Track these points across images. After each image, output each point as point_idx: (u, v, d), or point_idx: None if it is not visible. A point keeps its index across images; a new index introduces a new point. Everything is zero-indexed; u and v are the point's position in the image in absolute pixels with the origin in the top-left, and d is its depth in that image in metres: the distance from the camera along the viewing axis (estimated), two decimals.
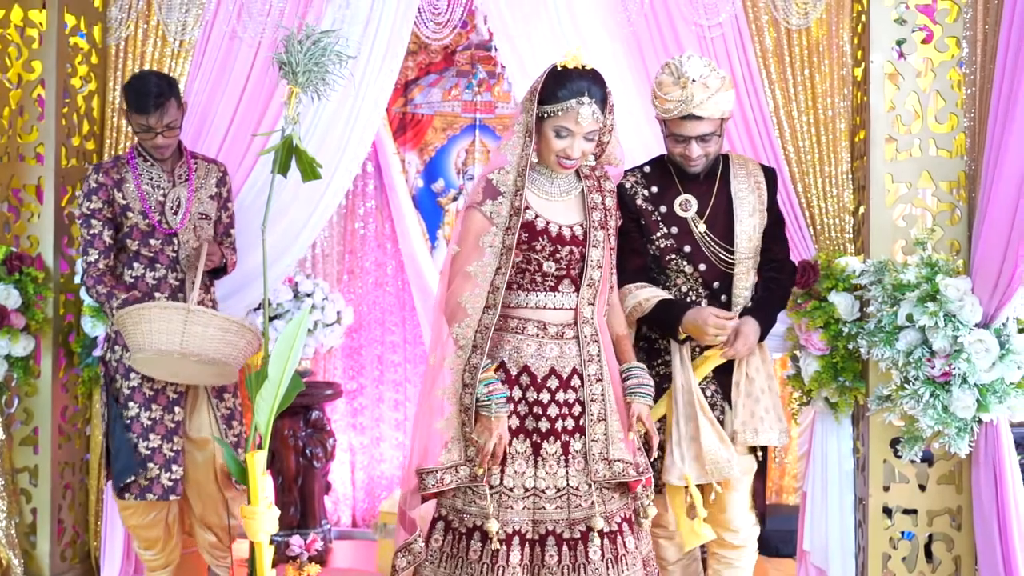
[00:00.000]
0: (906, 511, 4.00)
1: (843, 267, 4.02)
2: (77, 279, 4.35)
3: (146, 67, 4.51)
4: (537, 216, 3.17)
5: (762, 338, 3.75)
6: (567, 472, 3.14)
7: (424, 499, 3.25)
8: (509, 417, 3.14)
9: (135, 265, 4.04)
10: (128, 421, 4.00)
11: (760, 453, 3.79)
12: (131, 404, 4.01)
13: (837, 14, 4.20)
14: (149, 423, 4.00)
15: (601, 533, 3.10)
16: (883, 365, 3.81)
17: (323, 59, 3.27)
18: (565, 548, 3.10)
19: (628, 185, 3.73)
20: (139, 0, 4.53)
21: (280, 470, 5.33)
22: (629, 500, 3.25)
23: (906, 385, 3.73)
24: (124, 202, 4.01)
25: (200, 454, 4.10)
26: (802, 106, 4.19)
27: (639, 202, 3.72)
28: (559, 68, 3.12)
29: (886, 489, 3.98)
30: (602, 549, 3.10)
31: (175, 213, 4.05)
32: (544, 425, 3.16)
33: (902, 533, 4.00)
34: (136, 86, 3.93)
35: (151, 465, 3.99)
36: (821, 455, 4.19)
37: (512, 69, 4.56)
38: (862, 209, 4.10)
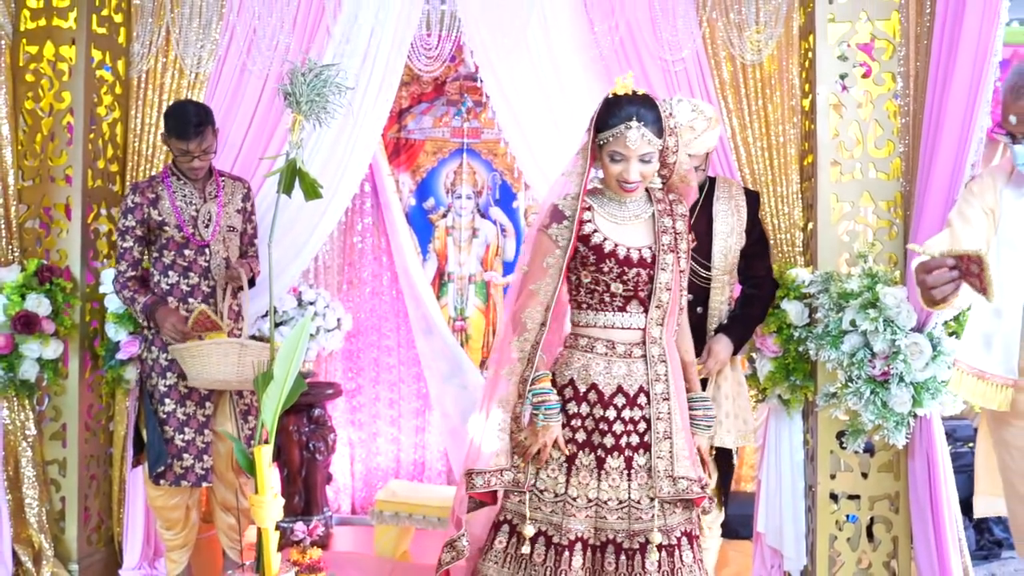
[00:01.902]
0: (850, 496, 4.04)
1: (794, 278, 4.07)
2: (102, 289, 4.38)
3: (165, 97, 4.57)
4: (605, 239, 3.03)
5: (737, 351, 3.82)
6: (629, 486, 2.99)
7: (474, 502, 3.20)
8: (576, 431, 3.05)
9: (170, 274, 4.08)
10: (164, 416, 4.05)
11: (714, 451, 3.84)
12: (167, 400, 4.05)
13: (787, 51, 4.26)
14: (184, 418, 4.06)
15: (659, 546, 2.95)
16: (830, 366, 3.86)
17: (324, 90, 3.30)
18: (623, 557, 2.97)
19: None
20: (158, 36, 4.58)
21: (285, 462, 5.35)
22: (691, 514, 3.09)
23: (850, 383, 3.78)
24: (160, 218, 4.05)
25: (222, 445, 4.15)
26: (756, 133, 4.25)
27: None
28: (611, 96, 3.00)
29: (832, 477, 4.03)
30: (659, 561, 2.95)
31: (207, 226, 4.10)
32: (609, 441, 3.02)
33: (847, 516, 4.05)
34: (177, 114, 3.98)
35: (186, 456, 4.04)
36: (775, 447, 4.25)
37: (496, 98, 4.58)
38: (810, 225, 4.15)
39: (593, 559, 3.00)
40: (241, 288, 4.09)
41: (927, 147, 3.71)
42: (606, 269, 3.01)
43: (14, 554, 4.24)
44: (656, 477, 2.99)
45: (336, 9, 4.49)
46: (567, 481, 3.03)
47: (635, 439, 3.02)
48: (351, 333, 6.00)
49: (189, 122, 3.95)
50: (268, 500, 2.83)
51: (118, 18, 4.58)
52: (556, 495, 3.04)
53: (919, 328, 3.74)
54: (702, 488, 3.05)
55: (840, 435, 3.98)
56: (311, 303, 5.44)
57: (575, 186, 3.06)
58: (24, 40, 4.43)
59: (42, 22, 4.43)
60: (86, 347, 4.45)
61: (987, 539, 5.07)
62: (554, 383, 3.10)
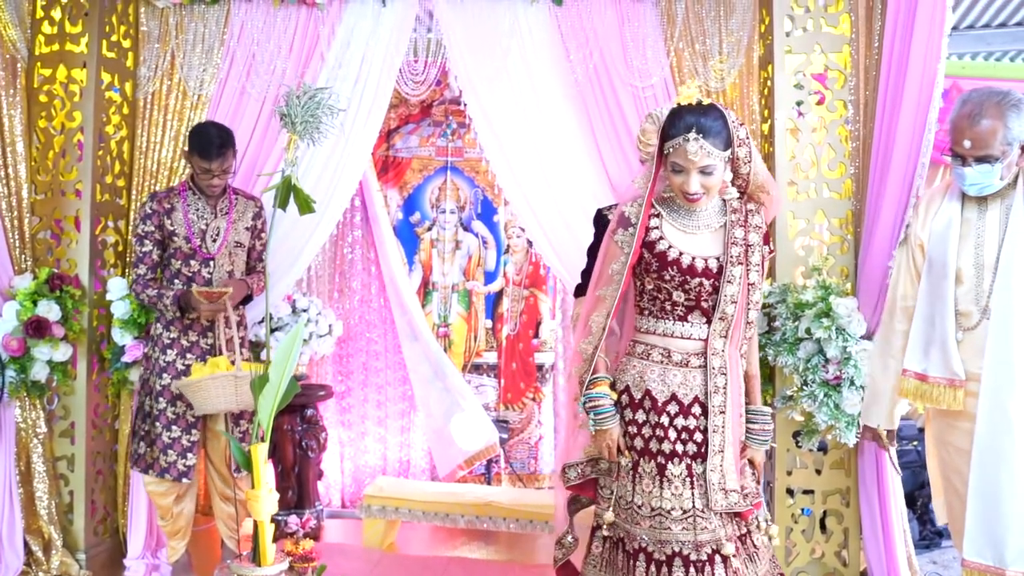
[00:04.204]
0: (805, 491, 4.08)
1: None
2: (108, 296, 4.38)
3: (169, 117, 4.59)
4: (670, 247, 2.82)
5: None
6: (693, 494, 2.78)
7: (579, 501, 3.14)
8: (634, 438, 2.86)
9: (176, 282, 4.10)
10: (157, 413, 4.08)
11: None
12: (160, 399, 4.08)
13: (748, 79, 4.33)
14: (173, 416, 4.08)
15: (726, 557, 2.76)
16: (787, 370, 3.90)
17: (318, 112, 3.28)
18: (692, 570, 2.75)
19: (611, 216, 3.63)
20: (164, 61, 4.61)
21: (280, 459, 5.35)
22: (734, 525, 2.85)
23: (805, 387, 3.83)
24: (172, 228, 4.08)
25: (219, 443, 4.19)
26: None
27: None
28: (675, 106, 2.80)
29: (789, 473, 4.06)
30: (726, 571, 2.75)
31: (214, 241, 4.12)
32: (667, 447, 2.81)
33: (802, 509, 4.09)
34: (201, 135, 4.02)
35: (170, 452, 4.06)
36: None
37: (478, 120, 4.60)
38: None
39: (659, 574, 2.79)
40: (241, 301, 4.14)
41: (876, 169, 3.77)
42: (667, 277, 2.81)
43: (25, 544, 4.24)
44: (711, 490, 2.77)
45: (330, 36, 4.53)
46: (633, 489, 2.87)
47: (692, 448, 2.81)
48: (341, 339, 6.00)
49: (212, 143, 3.98)
50: (263, 494, 2.83)
51: (126, 43, 4.60)
52: (627, 502, 2.88)
53: (869, 336, 3.80)
54: (744, 498, 2.83)
55: (796, 435, 4.01)
56: (304, 310, 5.45)
57: (643, 193, 2.87)
58: (39, 63, 4.46)
59: (55, 47, 4.45)
60: (93, 350, 4.45)
61: (929, 530, 5.13)
62: (615, 388, 2.95)
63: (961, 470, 3.08)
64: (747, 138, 2.80)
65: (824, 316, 3.79)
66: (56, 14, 4.44)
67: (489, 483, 6.00)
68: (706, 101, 2.78)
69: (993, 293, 3.01)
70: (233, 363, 3.93)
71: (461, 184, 6.24)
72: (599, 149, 4.43)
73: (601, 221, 3.63)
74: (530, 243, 6.05)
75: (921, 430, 4.80)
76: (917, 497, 5.18)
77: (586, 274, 3.62)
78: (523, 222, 4.98)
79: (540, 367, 6.18)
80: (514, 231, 6.20)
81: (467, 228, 6.26)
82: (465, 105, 4.68)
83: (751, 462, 2.94)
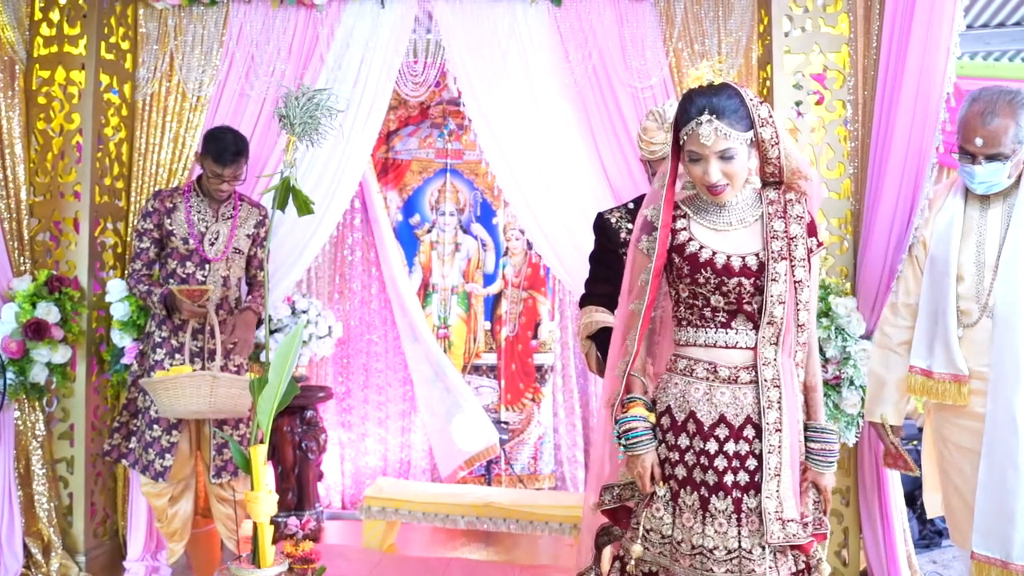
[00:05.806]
0: None
1: None
2: (108, 298, 4.37)
3: (168, 119, 4.58)
4: (701, 247, 2.51)
5: None
6: (739, 532, 2.41)
7: (605, 534, 2.83)
8: (675, 466, 2.51)
9: (170, 282, 4.09)
10: (144, 409, 4.08)
11: None
12: (147, 396, 4.06)
13: (747, 79, 4.32)
14: (155, 415, 4.05)
15: None
16: None
17: (317, 113, 3.28)
18: None
19: (613, 220, 3.53)
20: (163, 62, 4.60)
21: (280, 461, 5.35)
22: (790, 560, 2.46)
23: None
24: (171, 228, 4.07)
25: (210, 445, 4.17)
26: None
27: (623, 235, 3.46)
28: (687, 91, 2.50)
29: None
30: None
31: (212, 245, 4.11)
32: (711, 478, 2.45)
33: None
34: (217, 139, 4.00)
35: (150, 450, 4.05)
36: None
37: (478, 121, 4.60)
38: None
39: None
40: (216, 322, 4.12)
41: (875, 169, 3.76)
42: (702, 280, 2.50)
43: (25, 546, 4.22)
44: (767, 520, 2.39)
45: (329, 38, 4.52)
46: (672, 523, 2.52)
47: (744, 477, 2.45)
48: (341, 340, 6.00)
49: (227, 150, 3.98)
50: (263, 496, 2.81)
51: (125, 45, 4.59)
52: (663, 536, 2.52)
53: (868, 336, 3.79)
54: (804, 527, 2.46)
55: None
56: (304, 311, 5.43)
57: (660, 192, 2.58)
58: (37, 65, 4.45)
59: (54, 48, 4.44)
60: (93, 352, 4.44)
61: (929, 529, 5.12)
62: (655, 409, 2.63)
63: (961, 467, 3.09)
64: (770, 117, 2.48)
65: (823, 316, 3.78)
66: (55, 16, 4.43)
67: (489, 484, 5.99)
68: (718, 81, 2.51)
69: (995, 292, 3.02)
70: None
71: (460, 186, 6.24)
72: (598, 150, 4.42)
73: (602, 226, 3.61)
74: (529, 245, 6.05)
75: (920, 429, 4.79)
76: (917, 496, 5.16)
77: (590, 283, 3.61)
78: (523, 223, 4.97)
79: (539, 368, 6.18)
80: (513, 233, 6.21)
81: (467, 230, 6.26)
82: (464, 106, 4.68)
83: (815, 486, 2.57)
